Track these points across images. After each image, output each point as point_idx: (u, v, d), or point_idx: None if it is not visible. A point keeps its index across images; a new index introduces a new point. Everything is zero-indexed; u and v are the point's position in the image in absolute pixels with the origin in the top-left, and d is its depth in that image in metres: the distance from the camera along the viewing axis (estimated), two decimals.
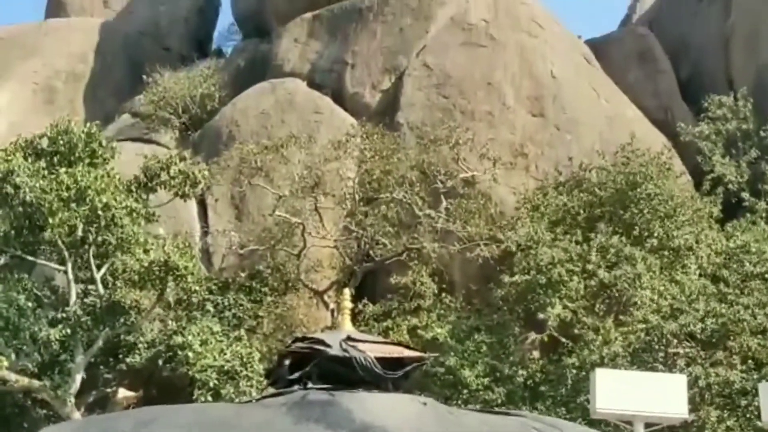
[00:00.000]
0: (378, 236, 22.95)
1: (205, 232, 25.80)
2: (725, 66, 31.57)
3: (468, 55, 28.35)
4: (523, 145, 25.91)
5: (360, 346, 9.71)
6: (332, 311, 22.87)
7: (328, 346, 9.67)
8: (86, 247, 19.62)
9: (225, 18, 44.32)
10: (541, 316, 20.09)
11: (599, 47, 32.04)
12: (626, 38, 33.54)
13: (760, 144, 26.47)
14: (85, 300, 20.41)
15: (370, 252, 23.49)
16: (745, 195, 25.10)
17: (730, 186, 25.27)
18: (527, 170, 25.30)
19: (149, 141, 29.98)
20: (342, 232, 24.04)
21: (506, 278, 20.86)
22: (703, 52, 33.53)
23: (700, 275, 20.77)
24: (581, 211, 22.20)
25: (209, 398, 18.79)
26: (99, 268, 20.07)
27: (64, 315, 19.57)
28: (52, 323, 19.43)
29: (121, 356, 20.84)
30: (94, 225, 19.01)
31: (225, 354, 19.57)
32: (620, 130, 26.06)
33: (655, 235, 21.09)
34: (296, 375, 9.61)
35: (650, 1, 44.83)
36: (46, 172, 19.04)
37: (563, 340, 20.16)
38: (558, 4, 68.62)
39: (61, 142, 19.89)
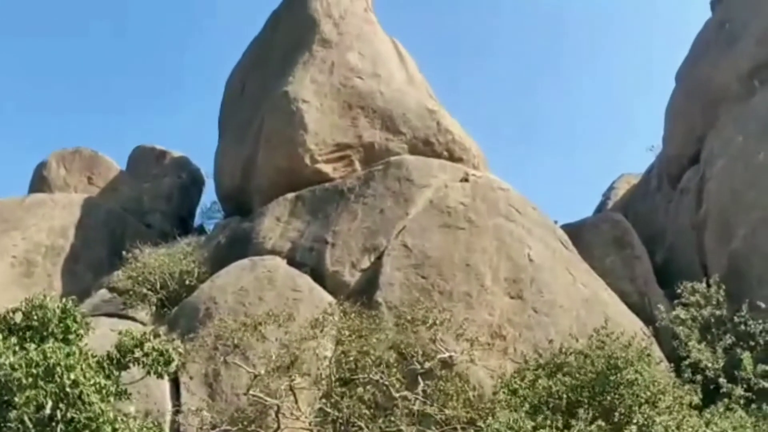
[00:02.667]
0: (354, 418, 22.43)
1: (177, 411, 25.13)
2: (699, 252, 32.22)
3: (447, 237, 28.78)
4: (501, 326, 25.88)
5: None
6: None
7: None
8: (54, 425, 19.00)
9: (208, 196, 45.03)
10: None
11: (575, 232, 32.65)
12: (602, 224, 34.25)
13: (735, 330, 26.60)
14: None
15: None
16: (722, 381, 25.00)
17: (707, 372, 25.24)
18: (505, 352, 25.14)
19: (125, 317, 29.67)
20: (317, 413, 23.50)
21: None
22: (677, 239, 34.38)
23: None
24: (562, 396, 21.87)
25: None
26: None
27: None
28: None
29: None
30: (63, 402, 18.50)
31: None
32: (597, 313, 26.17)
33: (635, 421, 20.72)
34: None
35: (624, 188, 46.38)
36: (17, 348, 18.69)
37: None
38: (534, 189, 70.58)
39: (35, 317, 19.64)
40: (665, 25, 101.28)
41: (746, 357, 25.63)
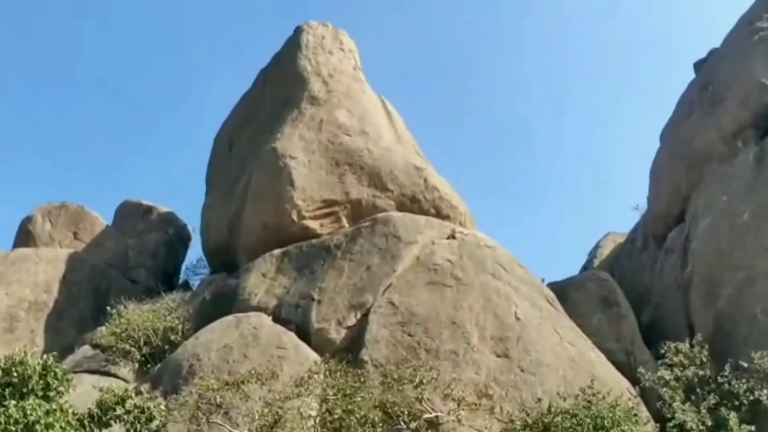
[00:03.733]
0: None
1: None
2: (685, 312, 32.23)
3: (433, 294, 28.70)
4: (487, 385, 25.68)
5: None
6: None
7: None
8: None
9: (194, 252, 45.01)
10: None
11: (562, 290, 32.60)
12: (588, 282, 34.19)
13: (719, 390, 26.51)
14: None
15: None
16: None
17: None
18: (492, 412, 24.86)
19: (108, 373, 29.36)
20: None
21: None
22: (663, 298, 34.43)
23: None
24: None
25: None
26: None
27: None
28: None
29: None
30: None
31: None
32: (583, 372, 26.06)
33: None
34: None
35: (610, 247, 46.53)
36: None
37: None
38: (521, 248, 70.77)
39: (15, 373, 19.46)
40: (648, 85, 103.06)
41: (732, 417, 25.48)
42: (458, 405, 23.82)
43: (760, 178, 32.12)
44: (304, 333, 28.51)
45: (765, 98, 35.36)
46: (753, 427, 25.18)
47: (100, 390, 21.47)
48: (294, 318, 29.27)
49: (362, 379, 24.62)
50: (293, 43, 39.56)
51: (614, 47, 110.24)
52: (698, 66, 43.01)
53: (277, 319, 29.42)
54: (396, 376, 24.16)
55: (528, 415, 23.51)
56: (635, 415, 22.42)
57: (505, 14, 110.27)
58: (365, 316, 28.37)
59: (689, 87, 41.71)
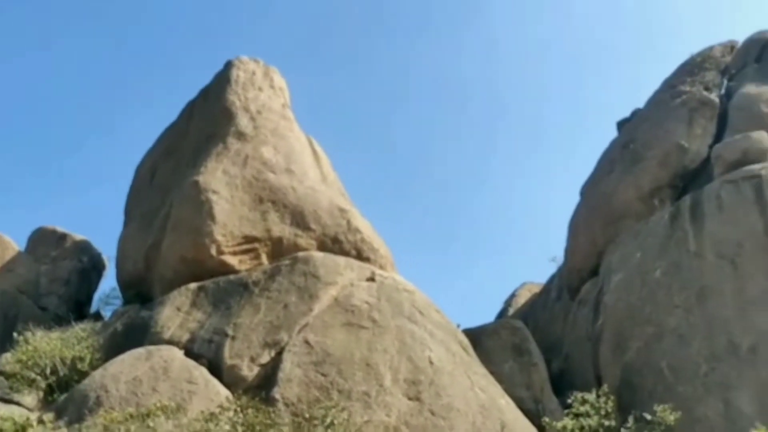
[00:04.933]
0: None
1: None
2: (594, 363, 32.87)
3: (349, 335, 28.70)
4: (397, 428, 25.70)
5: None
6: None
7: None
8: None
9: (108, 281, 44.26)
10: None
11: (476, 337, 32.97)
12: (502, 330, 34.66)
13: None
14: None
15: None
16: None
17: None
18: None
19: (10, 401, 28.47)
20: None
21: None
22: (573, 349, 35.10)
23: None
24: None
25: None
26: None
27: None
28: None
29: None
30: None
31: None
32: (493, 419, 26.31)
33: None
34: None
35: (526, 296, 47.29)
36: None
37: None
38: (439, 293, 71.30)
39: None
40: (570, 140, 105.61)
41: None
42: None
43: (673, 237, 33.10)
44: (216, 369, 28.15)
45: (683, 160, 36.72)
46: None
47: (1, 419, 20.90)
48: (206, 353, 28.90)
49: (273, 417, 24.45)
50: (223, 77, 39.52)
51: (537, 101, 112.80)
52: (621, 125, 44.38)
53: (189, 353, 28.98)
54: (307, 416, 24.09)
55: None
56: None
57: (440, 51, 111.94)
58: (279, 354, 28.18)
59: (611, 145, 42.95)
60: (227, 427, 23.95)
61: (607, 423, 27.67)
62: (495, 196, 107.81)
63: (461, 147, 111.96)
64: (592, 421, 27.49)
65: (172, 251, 33.60)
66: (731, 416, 26.97)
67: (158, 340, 29.89)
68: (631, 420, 27.56)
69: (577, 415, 27.91)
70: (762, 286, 29.18)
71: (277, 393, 26.54)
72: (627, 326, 31.98)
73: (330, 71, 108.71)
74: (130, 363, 28.30)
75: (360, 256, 34.06)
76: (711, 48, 42.84)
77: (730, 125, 36.82)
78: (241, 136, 36.55)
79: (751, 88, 37.93)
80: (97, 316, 39.87)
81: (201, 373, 27.75)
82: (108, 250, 44.41)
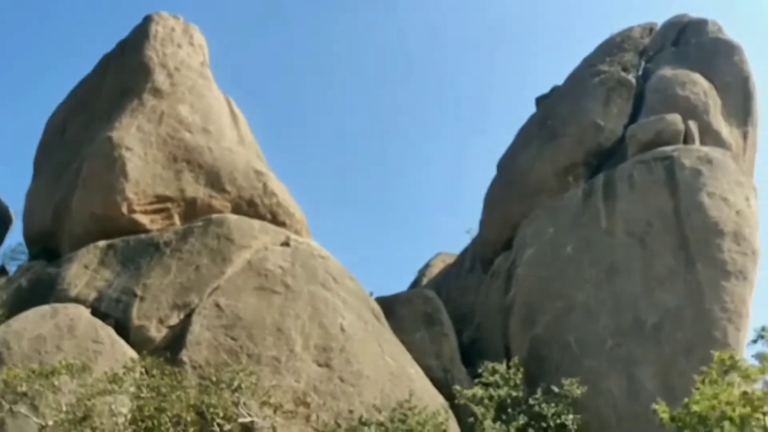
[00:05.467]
0: None
1: None
2: (504, 335, 33.32)
3: (261, 300, 28.49)
4: (306, 393, 25.70)
5: None
6: None
7: None
8: None
9: (14, 236, 42.96)
10: None
11: (389, 305, 33.09)
12: (414, 299, 34.85)
13: (530, 411, 27.51)
14: None
15: None
16: None
17: None
18: (308, 420, 24.92)
19: None
20: None
21: None
22: (484, 320, 35.50)
23: None
24: None
25: None
26: None
27: None
28: None
29: None
30: None
31: None
32: (402, 387, 26.48)
33: None
34: None
35: (439, 266, 47.59)
36: None
37: None
38: (353, 260, 71.37)
39: None
40: (493, 114, 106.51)
41: None
42: (275, 411, 23.71)
43: (585, 214, 33.64)
44: (123, 329, 27.65)
45: (598, 138, 37.21)
46: None
47: None
48: (114, 312, 28.32)
49: (179, 380, 24.12)
50: (140, 32, 38.36)
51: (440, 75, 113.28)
52: (540, 101, 44.66)
53: (96, 312, 28.35)
54: (214, 379, 23.81)
55: (339, 426, 23.69)
56: (444, 430, 22.95)
57: (369, 17, 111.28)
58: (189, 316, 27.83)
59: (529, 120, 43.26)
60: (132, 389, 23.55)
61: (515, 394, 28.10)
62: (413, 166, 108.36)
63: (382, 116, 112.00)
64: (502, 392, 27.88)
65: (82, 208, 32.70)
66: (634, 391, 27.68)
67: (64, 298, 29.14)
68: (539, 391, 28.04)
69: (486, 385, 28.26)
70: (669, 264, 29.90)
71: (184, 355, 26.23)
72: (537, 300, 32.47)
73: (255, 33, 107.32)
74: (34, 320, 27.55)
75: (275, 221, 33.74)
76: (630, 29, 43.42)
77: (646, 106, 37.44)
78: (157, 92, 35.63)
79: (667, 71, 38.60)
80: (2, 271, 38.66)
81: (107, 332, 27.21)
82: (15, 205, 43.17)
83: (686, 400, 15.81)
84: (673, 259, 29.93)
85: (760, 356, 19.29)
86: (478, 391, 27.81)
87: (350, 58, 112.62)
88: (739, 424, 14.05)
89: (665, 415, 15.61)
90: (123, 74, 37.14)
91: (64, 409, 22.32)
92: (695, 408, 15.08)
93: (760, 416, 14.46)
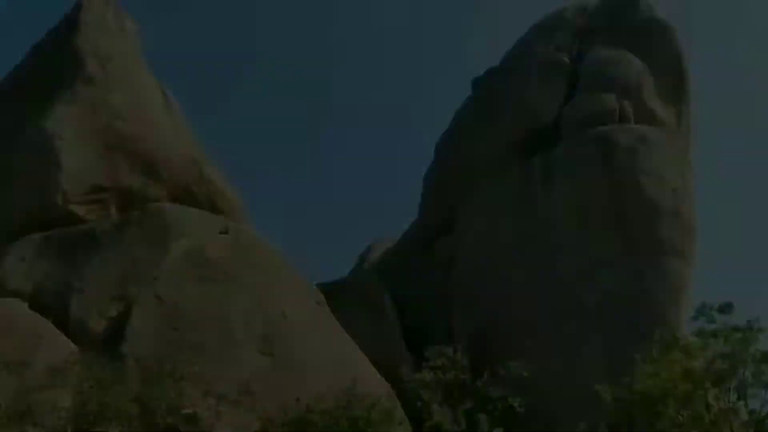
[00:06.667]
0: None
1: None
2: (447, 319, 33.50)
3: (202, 290, 28.20)
4: (250, 383, 25.56)
5: None
6: None
7: None
8: None
9: None
10: None
11: (331, 292, 33.02)
12: (356, 285, 34.89)
13: (476, 395, 27.79)
14: None
15: None
16: None
17: None
18: (253, 409, 24.82)
19: None
20: None
21: None
22: (427, 305, 35.59)
23: None
24: None
25: None
26: None
27: None
28: None
29: None
30: None
31: None
32: (346, 373, 26.43)
33: None
34: None
35: (381, 251, 47.55)
36: None
37: None
38: (294, 246, 71.12)
39: None
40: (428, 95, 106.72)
41: (483, 419, 26.80)
42: (218, 401, 23.59)
43: (523, 197, 33.97)
44: (62, 322, 27.13)
45: (534, 119, 37.40)
46: (502, 430, 26.58)
47: None
48: (52, 306, 27.78)
49: (121, 373, 23.83)
50: (71, 19, 37.49)
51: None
52: (477, 82, 44.69)
53: (34, 305, 27.80)
54: (156, 371, 23.59)
55: (286, 414, 23.68)
56: (390, 416, 23.09)
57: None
58: (128, 308, 27.43)
59: (465, 103, 43.38)
60: (73, 383, 23.22)
61: (462, 377, 28.31)
62: (353, 146, 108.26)
63: (319, 93, 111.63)
64: (449, 375, 28.10)
65: (16, 200, 31.92)
66: (578, 372, 28.04)
67: (1, 292, 28.50)
68: (486, 375, 28.26)
69: (433, 369, 28.45)
70: (608, 245, 30.32)
71: (125, 348, 25.85)
72: (478, 284, 32.72)
73: (183, 9, 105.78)
74: None
75: (213, 208, 33.45)
76: (564, 9, 43.68)
77: (581, 86, 37.77)
78: (90, 82, 34.82)
79: (601, 51, 38.96)
80: None
81: (47, 326, 26.70)
82: None
83: (627, 379, 16.07)
84: (612, 240, 30.36)
85: (700, 332, 19.52)
86: (426, 375, 28.01)
87: (278, 33, 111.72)
88: (683, 400, 14.33)
89: (608, 396, 15.87)
90: (55, 64, 36.15)
91: (2, 405, 21.90)
92: (638, 387, 15.34)
93: (702, 392, 14.74)
